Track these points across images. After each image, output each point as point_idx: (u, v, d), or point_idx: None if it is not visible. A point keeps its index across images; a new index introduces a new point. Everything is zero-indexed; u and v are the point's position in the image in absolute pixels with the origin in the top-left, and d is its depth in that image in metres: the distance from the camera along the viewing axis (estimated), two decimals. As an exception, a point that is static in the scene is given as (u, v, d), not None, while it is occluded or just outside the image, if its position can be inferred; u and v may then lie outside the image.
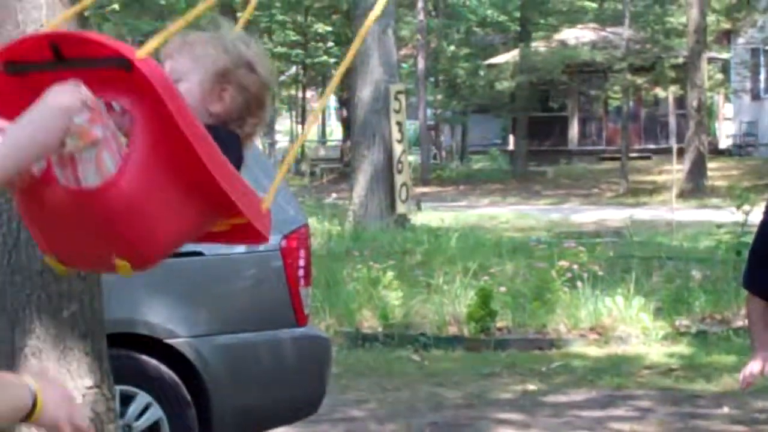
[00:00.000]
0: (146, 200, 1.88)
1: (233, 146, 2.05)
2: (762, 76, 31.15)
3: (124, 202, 1.86)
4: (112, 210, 1.86)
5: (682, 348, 8.21)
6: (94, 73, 1.90)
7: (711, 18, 27.46)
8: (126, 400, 4.47)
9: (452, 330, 8.54)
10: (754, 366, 3.26)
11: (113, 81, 1.88)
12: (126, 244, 1.91)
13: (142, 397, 4.50)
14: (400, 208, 14.75)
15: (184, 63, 2.05)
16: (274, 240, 4.73)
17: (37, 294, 3.15)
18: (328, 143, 46.44)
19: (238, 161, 2.05)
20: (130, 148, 1.87)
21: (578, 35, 31.47)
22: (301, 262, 4.78)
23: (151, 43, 1.91)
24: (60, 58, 1.94)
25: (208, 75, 2.03)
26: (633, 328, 8.47)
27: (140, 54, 1.85)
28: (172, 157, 1.89)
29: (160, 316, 4.51)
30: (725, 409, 6.41)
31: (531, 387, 7.08)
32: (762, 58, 30.84)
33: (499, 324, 8.55)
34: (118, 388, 4.33)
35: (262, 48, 2.14)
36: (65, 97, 1.79)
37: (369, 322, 8.73)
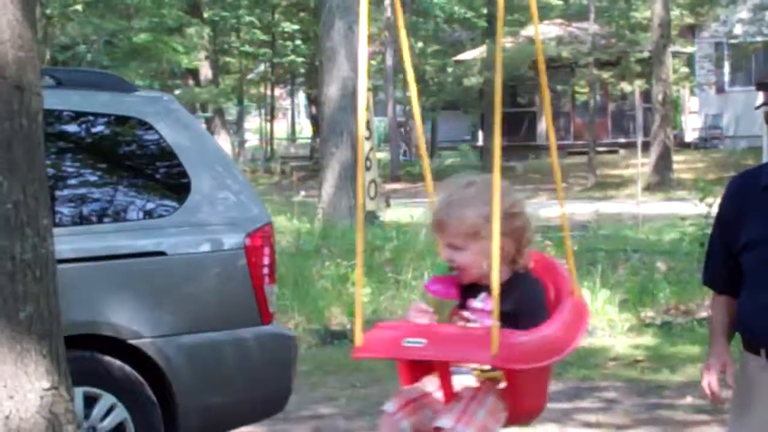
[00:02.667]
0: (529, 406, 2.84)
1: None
2: (726, 70, 31.43)
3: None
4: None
5: (648, 339, 8.29)
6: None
7: (675, 12, 27.70)
8: (90, 401, 4.45)
9: (420, 326, 8.56)
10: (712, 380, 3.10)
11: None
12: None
13: (107, 399, 4.48)
14: (369, 205, 14.71)
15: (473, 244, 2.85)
16: (238, 238, 4.73)
17: (-8, 296, 3.10)
18: (298, 141, 46.38)
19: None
20: (507, 391, 2.72)
21: (544, 31, 31.59)
22: (266, 260, 4.77)
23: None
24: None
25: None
26: (599, 320, 8.54)
27: (495, 355, 2.52)
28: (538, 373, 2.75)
29: (124, 317, 4.50)
30: (689, 399, 6.48)
31: (498, 381, 7.11)
32: (725, 52, 31.10)
33: (466, 319, 8.59)
34: (82, 389, 4.32)
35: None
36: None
37: (338, 319, 8.74)
